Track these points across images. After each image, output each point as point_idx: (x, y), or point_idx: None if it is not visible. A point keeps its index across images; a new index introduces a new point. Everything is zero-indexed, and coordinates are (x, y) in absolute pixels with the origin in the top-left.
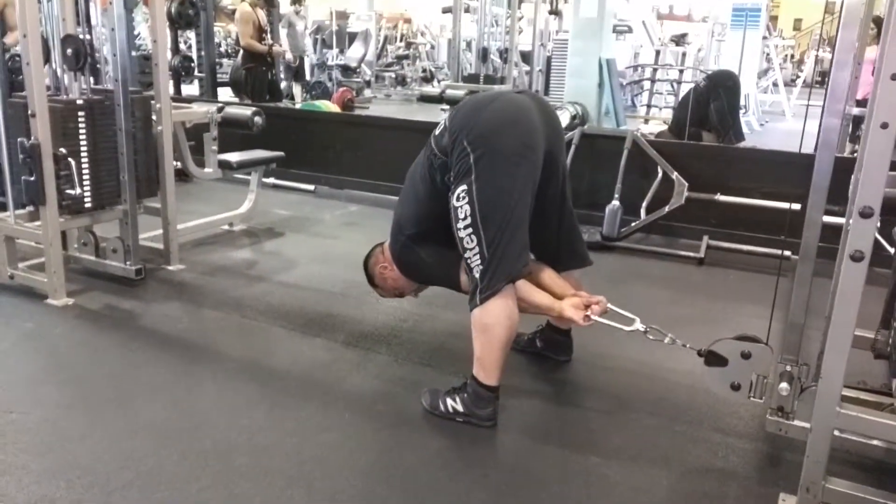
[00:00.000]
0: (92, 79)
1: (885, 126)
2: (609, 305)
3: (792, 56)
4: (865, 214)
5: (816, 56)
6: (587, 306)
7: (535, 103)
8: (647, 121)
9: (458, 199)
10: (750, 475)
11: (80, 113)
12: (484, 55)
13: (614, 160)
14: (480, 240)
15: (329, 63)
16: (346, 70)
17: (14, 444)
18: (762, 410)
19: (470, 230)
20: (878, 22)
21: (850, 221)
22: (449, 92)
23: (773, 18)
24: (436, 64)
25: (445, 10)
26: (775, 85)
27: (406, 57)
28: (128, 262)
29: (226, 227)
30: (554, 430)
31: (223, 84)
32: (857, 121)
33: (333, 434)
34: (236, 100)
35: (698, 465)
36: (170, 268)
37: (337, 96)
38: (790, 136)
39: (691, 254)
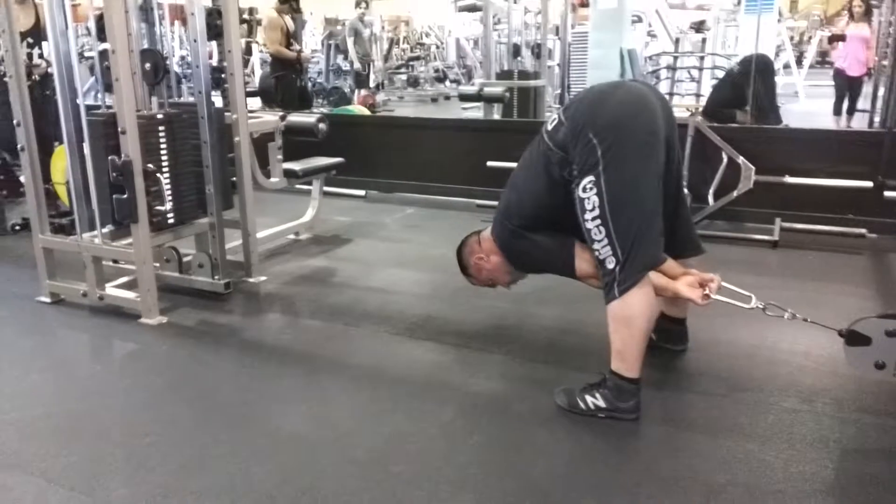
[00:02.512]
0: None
1: None
2: (723, 283)
3: (792, 38)
4: None
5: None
6: (702, 285)
7: (651, 91)
8: None
9: (584, 191)
10: None
11: (161, 127)
12: (516, 51)
13: None
14: (610, 231)
15: (344, 69)
16: (358, 75)
17: (163, 467)
18: None
19: (598, 221)
20: None
21: None
22: (487, 90)
23: None
24: (446, 63)
25: (463, 9)
26: (786, 66)
27: (418, 58)
28: (216, 277)
29: (292, 236)
30: (697, 419)
31: (250, 94)
32: None
33: (482, 436)
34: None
35: (855, 447)
36: (251, 280)
37: (360, 100)
38: (806, 116)
39: (765, 237)
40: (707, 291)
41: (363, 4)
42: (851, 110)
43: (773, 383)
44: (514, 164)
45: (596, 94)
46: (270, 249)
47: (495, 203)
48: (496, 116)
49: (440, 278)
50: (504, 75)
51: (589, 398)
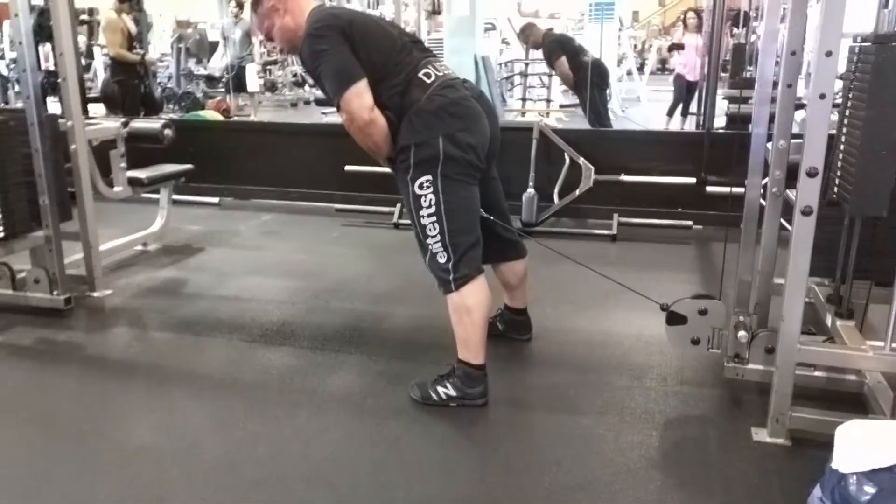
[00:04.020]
0: None
1: (822, 97)
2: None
3: (635, 46)
4: (811, 174)
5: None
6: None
7: (494, 123)
8: (523, 114)
9: (420, 188)
10: (721, 417)
11: None
12: None
13: (523, 150)
14: (444, 230)
15: (196, 73)
16: (211, 80)
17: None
18: (716, 360)
19: (434, 219)
20: (697, 12)
21: (799, 181)
22: None
23: None
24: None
25: None
26: (629, 73)
27: (275, 62)
28: (55, 292)
29: (139, 247)
30: (538, 401)
31: (92, 100)
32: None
33: (336, 433)
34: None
35: (676, 416)
36: (96, 294)
37: (214, 105)
38: (649, 120)
39: (605, 231)
40: None
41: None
42: (685, 113)
43: (607, 364)
44: (373, 168)
45: (462, 109)
46: (116, 262)
47: (355, 207)
48: None
49: (297, 284)
50: None
51: (440, 389)
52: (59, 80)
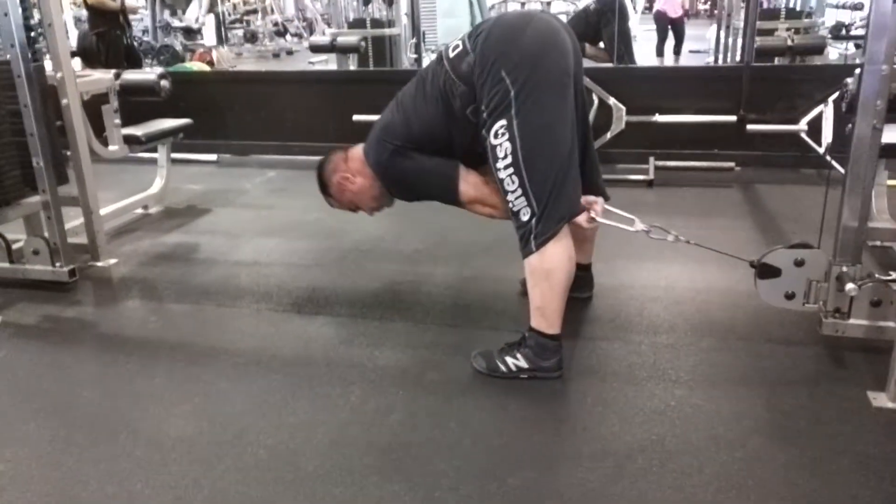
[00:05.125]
0: None
1: None
2: (606, 206)
3: None
4: None
5: None
6: (586, 209)
7: (560, 24)
8: None
9: (496, 137)
10: (828, 381)
11: None
12: (366, 0)
13: None
14: (524, 181)
15: (174, 25)
16: (189, 32)
17: (24, 496)
18: (806, 316)
19: (511, 170)
20: None
21: None
22: (340, 39)
23: None
24: (285, 16)
25: None
26: None
27: (254, 12)
28: (57, 264)
29: (140, 210)
30: (618, 369)
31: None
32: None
33: (399, 415)
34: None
35: (777, 380)
36: (100, 264)
37: (198, 57)
38: (649, 59)
39: (640, 177)
40: (592, 214)
41: None
42: (678, 51)
43: (684, 323)
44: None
45: (507, 27)
46: (117, 227)
47: None
48: (352, 68)
49: (320, 245)
50: (356, 24)
51: (509, 359)
52: (36, 32)
